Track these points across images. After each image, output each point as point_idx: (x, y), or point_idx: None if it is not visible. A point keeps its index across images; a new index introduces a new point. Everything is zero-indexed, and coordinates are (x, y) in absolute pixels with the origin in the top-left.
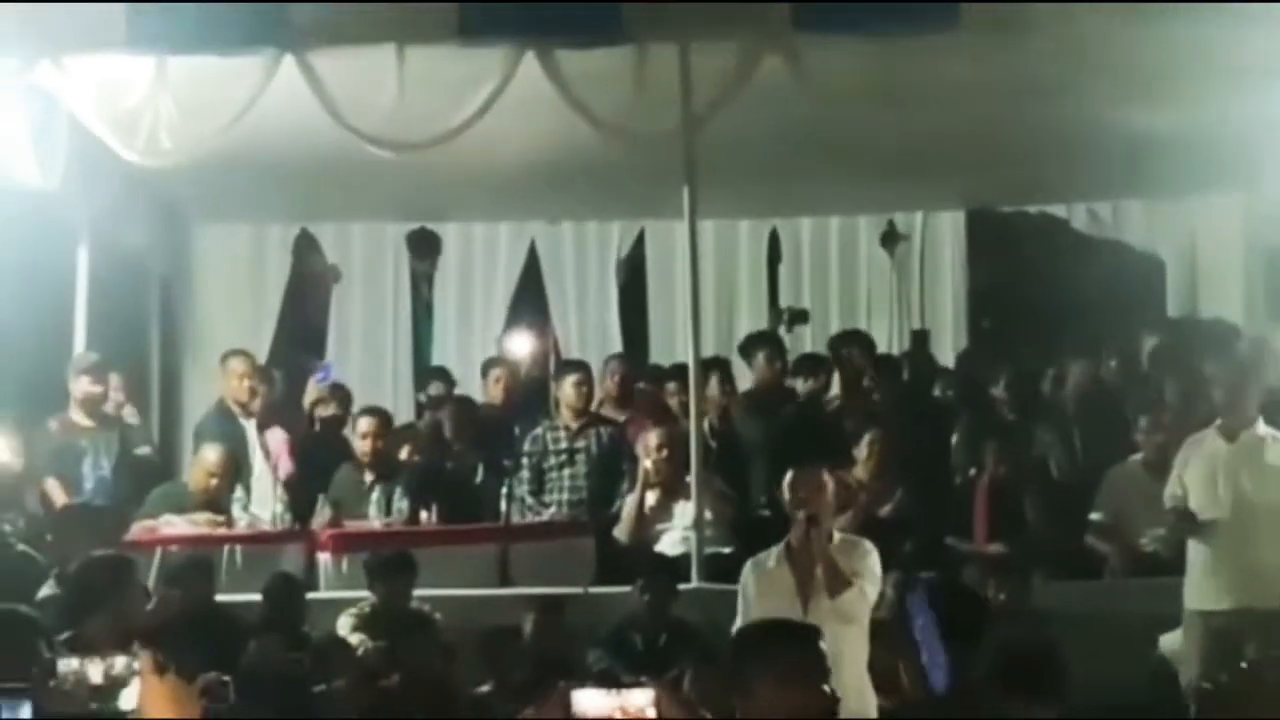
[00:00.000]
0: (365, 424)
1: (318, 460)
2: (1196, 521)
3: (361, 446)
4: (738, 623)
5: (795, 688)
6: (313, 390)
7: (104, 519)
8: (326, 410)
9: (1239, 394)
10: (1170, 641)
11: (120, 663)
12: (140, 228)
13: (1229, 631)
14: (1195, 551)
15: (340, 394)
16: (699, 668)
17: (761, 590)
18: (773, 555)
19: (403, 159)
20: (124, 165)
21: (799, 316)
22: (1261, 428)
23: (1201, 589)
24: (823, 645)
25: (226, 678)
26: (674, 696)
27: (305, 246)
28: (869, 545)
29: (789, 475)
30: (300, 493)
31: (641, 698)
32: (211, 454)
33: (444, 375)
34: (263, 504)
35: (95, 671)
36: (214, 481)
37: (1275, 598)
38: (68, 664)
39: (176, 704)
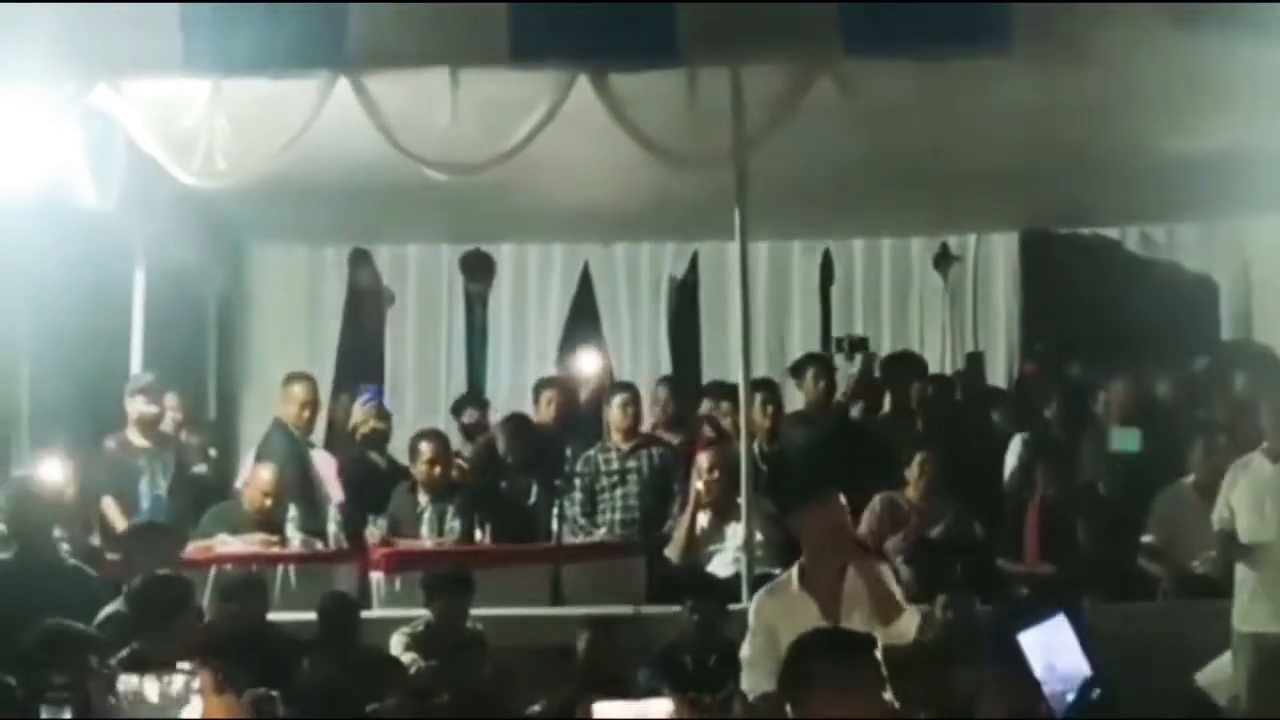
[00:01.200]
0: (426, 449)
1: (365, 479)
2: (1241, 545)
3: (422, 470)
4: (747, 651)
5: (855, 698)
6: (358, 413)
7: (170, 538)
8: (366, 427)
9: None
10: (1208, 674)
11: (179, 681)
12: (196, 249)
13: (1278, 654)
14: (1243, 574)
15: (382, 412)
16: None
17: (786, 615)
18: (791, 580)
19: (456, 181)
20: (180, 186)
21: (859, 344)
22: None
23: (1249, 611)
24: (878, 654)
25: (274, 693)
26: (698, 710)
27: (359, 262)
28: (884, 565)
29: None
30: (352, 512)
31: (660, 708)
32: (265, 473)
33: (476, 400)
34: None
35: (153, 690)
36: (268, 501)
37: None
38: (127, 681)
39: None
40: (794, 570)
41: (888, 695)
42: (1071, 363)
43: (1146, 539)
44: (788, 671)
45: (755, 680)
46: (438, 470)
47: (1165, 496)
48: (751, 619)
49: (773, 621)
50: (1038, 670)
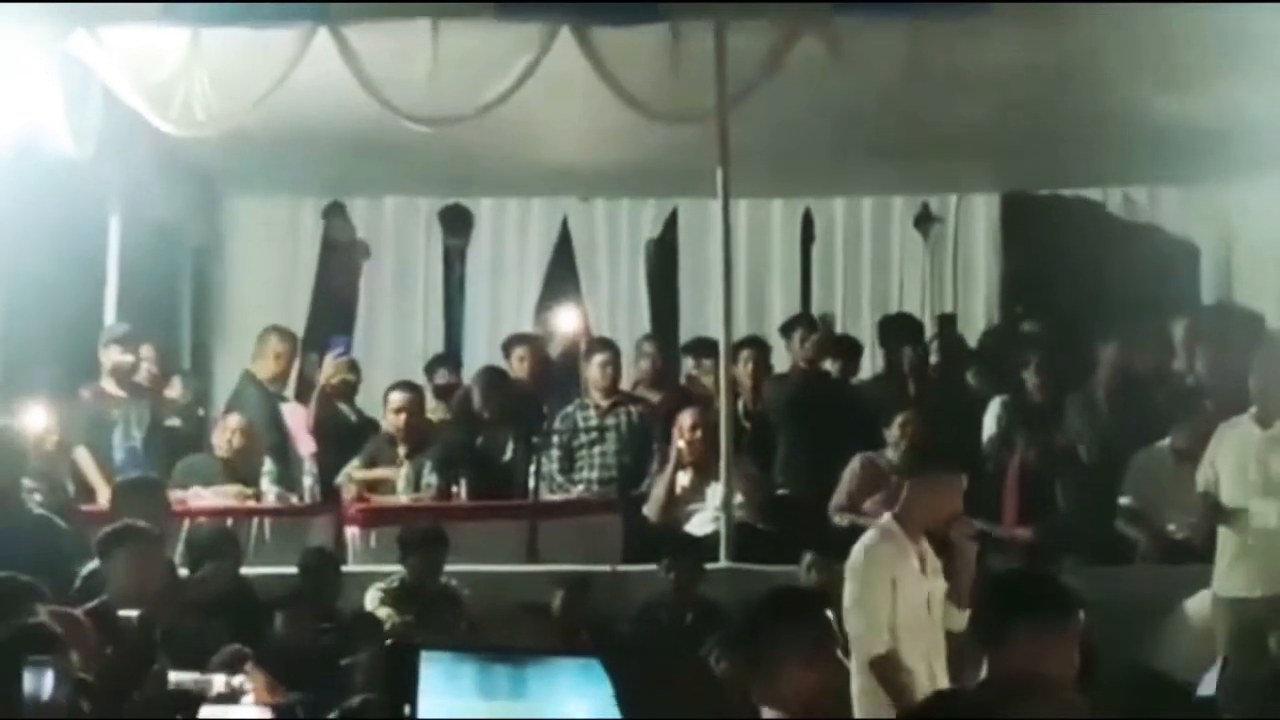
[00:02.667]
0: (397, 399)
1: (335, 432)
2: (1223, 508)
3: (394, 421)
4: (860, 597)
5: (813, 657)
6: (329, 366)
7: (162, 492)
8: (336, 378)
9: (1273, 381)
10: (1194, 609)
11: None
12: (173, 199)
13: (1258, 620)
14: (1225, 539)
15: (352, 365)
16: (724, 647)
17: (903, 561)
18: (898, 531)
19: (436, 134)
20: (158, 136)
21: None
22: None
23: (1230, 576)
24: (829, 614)
25: (248, 650)
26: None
27: (334, 215)
28: None
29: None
30: (327, 465)
31: None
32: (233, 420)
33: (449, 361)
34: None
35: (219, 683)
36: (237, 441)
37: None
38: (187, 678)
39: None
40: (890, 522)
41: (840, 654)
42: (1051, 324)
43: (1124, 502)
44: (748, 631)
45: (876, 630)
46: (405, 418)
47: (1142, 459)
48: (866, 566)
49: (890, 568)
50: None
